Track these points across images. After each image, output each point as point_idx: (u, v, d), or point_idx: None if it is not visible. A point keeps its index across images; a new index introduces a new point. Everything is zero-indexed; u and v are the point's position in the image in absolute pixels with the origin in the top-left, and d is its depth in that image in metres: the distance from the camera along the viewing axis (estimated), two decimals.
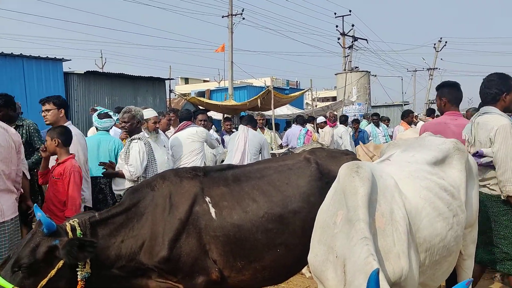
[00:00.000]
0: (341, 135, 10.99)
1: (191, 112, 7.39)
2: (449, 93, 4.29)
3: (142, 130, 5.14)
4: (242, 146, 6.59)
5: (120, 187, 4.89)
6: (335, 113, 14.58)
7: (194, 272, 2.98)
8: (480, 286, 5.04)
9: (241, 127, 7.05)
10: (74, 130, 4.70)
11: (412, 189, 2.65)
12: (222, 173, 3.28)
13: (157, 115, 5.95)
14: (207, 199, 3.07)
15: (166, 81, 17.40)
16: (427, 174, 2.83)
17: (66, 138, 4.20)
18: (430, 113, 11.91)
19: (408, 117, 10.66)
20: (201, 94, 21.84)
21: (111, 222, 2.98)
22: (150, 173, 4.76)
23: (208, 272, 2.99)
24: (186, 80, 49.33)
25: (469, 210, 3.06)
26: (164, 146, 5.87)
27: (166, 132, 6.89)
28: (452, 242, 2.73)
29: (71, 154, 4.22)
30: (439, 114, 4.89)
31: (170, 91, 16.65)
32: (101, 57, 37.67)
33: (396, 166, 2.88)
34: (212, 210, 3.04)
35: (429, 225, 2.58)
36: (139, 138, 4.80)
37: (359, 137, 12.06)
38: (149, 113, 5.80)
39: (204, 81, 47.11)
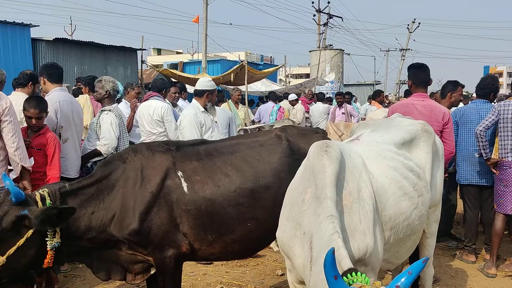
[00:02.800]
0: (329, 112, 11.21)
1: (166, 82, 6.50)
2: (414, 75, 4.36)
3: (119, 102, 4.95)
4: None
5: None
6: (313, 90, 14.70)
7: (164, 245, 3.01)
8: (441, 263, 5.26)
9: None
10: (69, 97, 4.67)
11: (379, 169, 2.71)
12: (195, 147, 3.30)
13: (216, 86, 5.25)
14: (179, 173, 3.09)
15: (138, 51, 17.06)
16: (394, 154, 2.91)
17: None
18: (407, 94, 12.13)
19: (380, 96, 10.92)
20: (174, 66, 21.45)
21: (81, 193, 2.98)
22: (121, 146, 4.66)
23: (179, 245, 3.04)
24: (159, 51, 48.46)
25: (434, 190, 3.18)
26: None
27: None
28: (416, 221, 2.83)
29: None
30: None
31: (142, 62, 16.28)
32: (71, 24, 36.59)
33: (364, 146, 2.94)
34: (184, 184, 3.06)
35: (394, 204, 2.66)
36: (109, 110, 4.71)
37: None
38: (209, 84, 5.16)
39: (177, 52, 46.39)
